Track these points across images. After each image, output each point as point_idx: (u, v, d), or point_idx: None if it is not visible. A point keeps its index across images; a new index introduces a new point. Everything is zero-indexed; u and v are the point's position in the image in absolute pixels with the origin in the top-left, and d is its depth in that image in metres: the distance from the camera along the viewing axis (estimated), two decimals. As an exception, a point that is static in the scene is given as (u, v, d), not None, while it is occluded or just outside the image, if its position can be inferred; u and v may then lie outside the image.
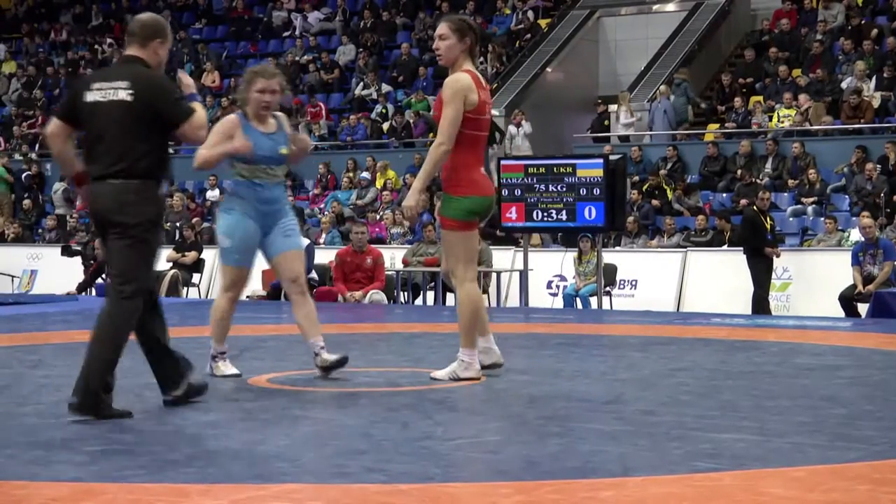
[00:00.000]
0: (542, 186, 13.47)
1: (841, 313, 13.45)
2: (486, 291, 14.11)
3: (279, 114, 6.80)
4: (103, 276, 16.15)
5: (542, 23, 24.52)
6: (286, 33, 27.18)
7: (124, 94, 5.46)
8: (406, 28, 25.90)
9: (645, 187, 19.04)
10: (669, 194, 18.75)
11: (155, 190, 5.53)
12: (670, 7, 24.16)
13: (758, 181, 18.11)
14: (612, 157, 14.05)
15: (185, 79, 5.77)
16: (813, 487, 3.95)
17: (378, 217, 19.57)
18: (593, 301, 14.71)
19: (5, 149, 25.94)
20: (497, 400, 6.01)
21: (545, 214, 13.50)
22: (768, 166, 18.62)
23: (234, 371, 6.75)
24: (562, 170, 13.49)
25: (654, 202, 18.64)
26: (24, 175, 24.68)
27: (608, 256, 15.48)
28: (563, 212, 13.42)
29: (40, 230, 22.83)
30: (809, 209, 17.64)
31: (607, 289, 15.10)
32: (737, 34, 23.43)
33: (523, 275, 14.43)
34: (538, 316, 12.38)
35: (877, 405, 5.72)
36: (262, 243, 6.72)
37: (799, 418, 5.27)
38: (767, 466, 4.23)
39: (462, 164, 6.42)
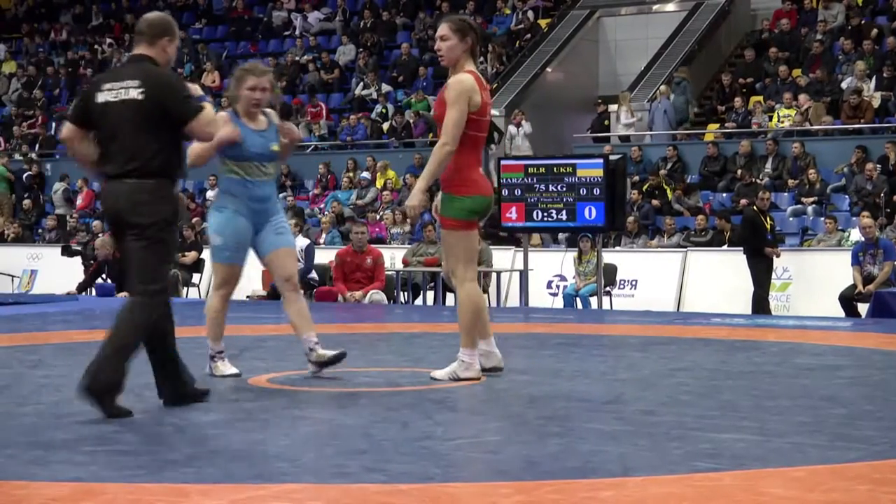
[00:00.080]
0: (542, 186, 13.48)
1: (841, 313, 13.45)
2: (486, 291, 14.11)
3: (269, 111, 6.82)
4: (103, 275, 16.16)
5: (542, 23, 24.53)
6: (286, 33, 27.19)
7: (135, 93, 5.50)
8: (406, 28, 25.91)
9: (645, 187, 19.04)
10: (669, 194, 18.76)
11: (169, 189, 5.57)
12: (670, 7, 24.16)
13: (758, 181, 18.11)
14: (612, 157, 14.05)
15: (191, 86, 5.79)
16: (813, 487, 3.95)
17: (378, 217, 19.57)
18: (593, 301, 14.72)
19: (5, 149, 25.94)
20: (497, 400, 6.01)
21: (545, 214, 13.51)
22: (768, 166, 18.62)
23: (234, 371, 6.75)
24: (562, 170, 13.49)
25: (654, 202, 18.65)
26: (24, 175, 24.69)
27: (608, 256, 15.48)
28: (563, 212, 13.42)
29: (40, 230, 22.83)
30: (809, 209, 17.64)
31: (607, 289, 15.11)
32: (737, 34, 23.43)
33: (523, 275, 14.43)
34: (538, 316, 12.38)
35: (877, 405, 5.72)
36: (253, 241, 6.72)
37: (799, 418, 5.27)
38: (767, 466, 4.23)
39: (463, 164, 6.43)
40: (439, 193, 6.59)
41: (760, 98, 20.34)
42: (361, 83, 24.17)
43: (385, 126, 22.88)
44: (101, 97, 5.57)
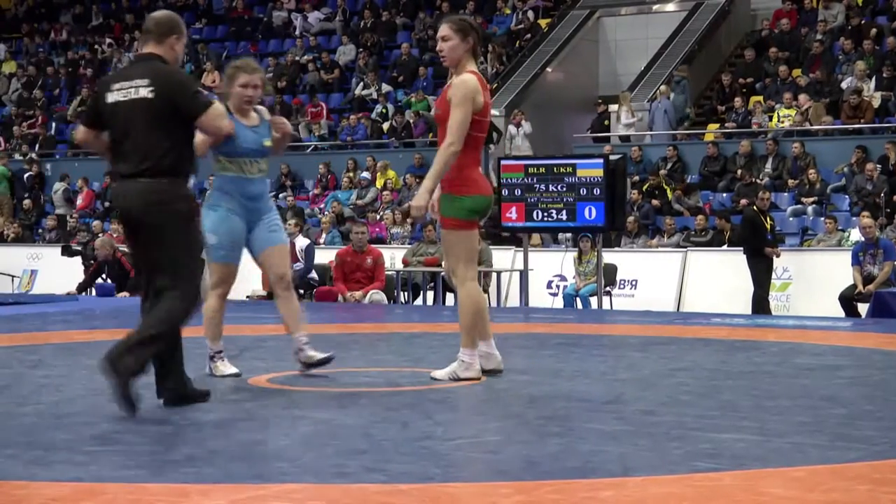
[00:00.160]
0: (542, 186, 13.48)
1: (841, 313, 13.45)
2: (486, 291, 14.11)
3: (260, 107, 6.83)
4: (103, 275, 16.15)
5: (542, 23, 24.53)
6: (286, 33, 27.19)
7: (145, 92, 5.52)
8: (406, 28, 25.91)
9: (645, 187, 19.04)
10: (669, 194, 18.76)
11: (183, 186, 5.62)
12: (670, 7, 24.17)
13: (758, 181, 18.11)
14: (612, 157, 14.05)
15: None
16: (813, 487, 3.95)
17: (378, 217, 19.58)
18: (593, 301, 14.72)
19: (5, 149, 25.94)
20: (497, 400, 6.01)
21: (545, 214, 13.51)
22: (768, 166, 18.62)
23: (234, 370, 6.75)
24: (562, 170, 13.49)
25: (654, 202, 18.65)
26: (25, 175, 24.69)
27: (608, 256, 15.48)
28: (563, 212, 13.42)
29: (40, 230, 22.83)
30: (809, 209, 17.64)
31: (607, 289, 15.11)
32: (737, 34, 23.44)
33: (523, 275, 14.43)
34: (538, 316, 12.38)
35: (877, 405, 5.72)
36: (247, 239, 6.74)
37: (799, 418, 5.27)
38: (767, 466, 4.23)
39: (463, 164, 6.44)
40: (435, 193, 6.60)
41: (760, 98, 20.34)
42: (361, 83, 24.17)
43: (385, 126, 22.89)
44: (111, 97, 5.59)
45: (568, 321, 11.58)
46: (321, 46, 26.11)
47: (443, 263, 7.15)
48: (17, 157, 25.66)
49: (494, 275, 15.21)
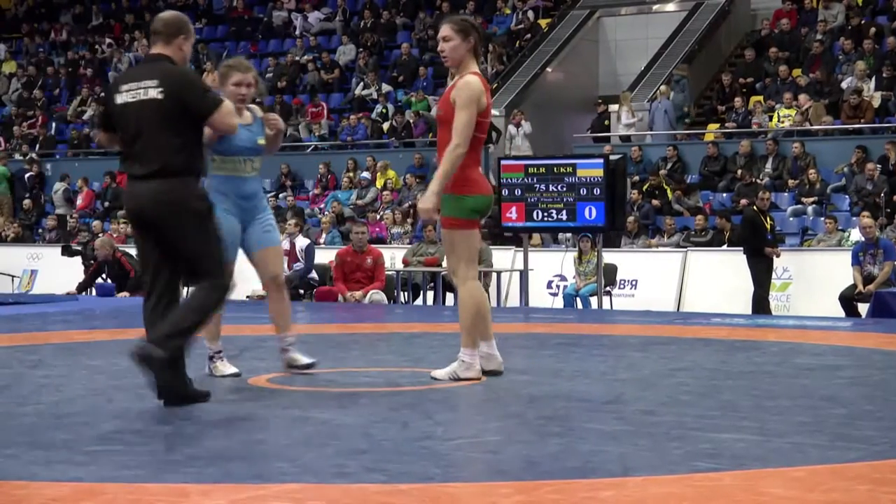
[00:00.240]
0: (543, 186, 13.48)
1: (841, 313, 13.45)
2: (486, 291, 14.11)
3: (253, 106, 6.84)
4: (103, 275, 16.15)
5: (542, 23, 24.53)
6: (286, 33, 27.19)
7: (154, 93, 5.54)
8: (406, 28, 25.91)
9: (645, 187, 19.04)
10: (669, 194, 18.76)
11: (195, 185, 5.65)
12: (670, 7, 24.17)
13: (758, 181, 18.11)
14: (612, 157, 14.05)
15: None
16: (813, 487, 3.95)
17: (378, 217, 19.58)
18: (593, 301, 14.72)
19: (5, 149, 25.94)
20: (497, 400, 6.01)
21: (545, 214, 13.51)
22: (768, 166, 18.62)
23: (234, 370, 6.76)
24: (562, 170, 13.49)
25: (654, 202, 18.65)
26: (25, 175, 24.68)
27: (608, 256, 15.48)
28: (563, 212, 13.42)
29: (40, 230, 22.83)
30: (809, 209, 17.64)
31: (607, 289, 15.11)
32: (737, 34, 23.44)
33: (523, 275, 14.43)
34: (538, 316, 12.38)
35: (877, 405, 5.71)
36: (241, 239, 6.75)
37: (799, 418, 5.26)
38: (767, 466, 4.23)
39: (465, 164, 6.44)
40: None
41: (760, 98, 20.34)
42: (361, 83, 24.17)
43: (385, 126, 22.89)
44: (120, 98, 5.61)
45: (568, 321, 11.58)
46: (321, 46, 26.11)
47: (443, 263, 7.16)
48: (17, 157, 25.66)
49: (494, 275, 15.21)
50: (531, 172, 13.61)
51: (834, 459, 4.36)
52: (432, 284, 15.49)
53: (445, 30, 6.54)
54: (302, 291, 15.07)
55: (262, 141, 6.74)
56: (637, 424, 5.13)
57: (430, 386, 6.34)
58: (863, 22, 20.88)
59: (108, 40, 28.65)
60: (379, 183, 21.11)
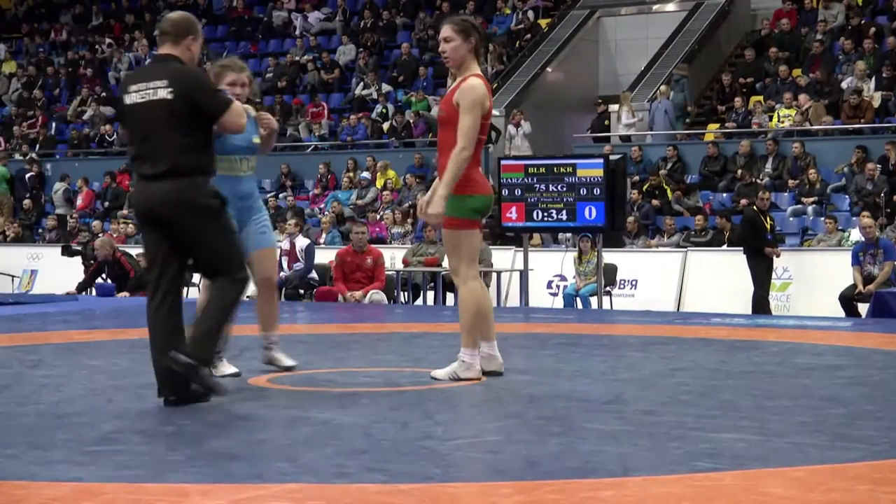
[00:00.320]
0: (543, 186, 13.48)
1: (841, 313, 13.45)
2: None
3: (246, 105, 6.84)
4: (103, 275, 16.15)
5: (542, 23, 24.53)
6: (286, 33, 27.19)
7: (164, 93, 5.54)
8: (406, 28, 25.91)
9: (645, 187, 19.04)
10: (669, 194, 18.76)
11: (205, 184, 5.67)
12: (670, 7, 24.17)
13: (758, 181, 18.11)
14: (612, 157, 14.05)
15: None
16: (813, 487, 3.95)
17: (378, 217, 19.57)
18: (593, 301, 14.72)
19: (5, 149, 25.94)
20: (497, 400, 6.01)
21: (545, 214, 13.51)
22: (768, 166, 18.62)
23: (233, 370, 6.76)
24: (562, 170, 13.49)
25: (654, 202, 18.65)
26: (25, 175, 24.68)
27: (608, 256, 15.48)
28: (563, 212, 13.42)
29: (40, 230, 22.83)
30: (809, 209, 17.64)
31: (607, 289, 15.11)
32: (737, 34, 23.44)
33: (523, 275, 14.43)
34: (538, 316, 12.37)
35: (877, 405, 5.71)
36: None
37: (799, 418, 5.26)
38: (767, 466, 4.23)
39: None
40: (428, 193, 6.60)
41: (760, 98, 20.34)
42: (361, 83, 24.17)
43: (385, 126, 22.88)
44: (129, 99, 5.62)
45: (568, 321, 11.58)
46: (321, 46, 26.11)
47: (443, 263, 7.17)
48: (17, 157, 25.66)
49: (494, 275, 15.21)
50: (531, 172, 13.61)
51: (834, 459, 4.36)
52: (432, 284, 15.49)
53: (446, 30, 6.54)
54: (302, 291, 15.07)
55: (256, 139, 6.76)
56: (637, 424, 5.13)
57: (430, 386, 6.34)
58: (863, 22, 20.88)
59: (108, 40, 28.64)
60: (379, 183, 21.11)
